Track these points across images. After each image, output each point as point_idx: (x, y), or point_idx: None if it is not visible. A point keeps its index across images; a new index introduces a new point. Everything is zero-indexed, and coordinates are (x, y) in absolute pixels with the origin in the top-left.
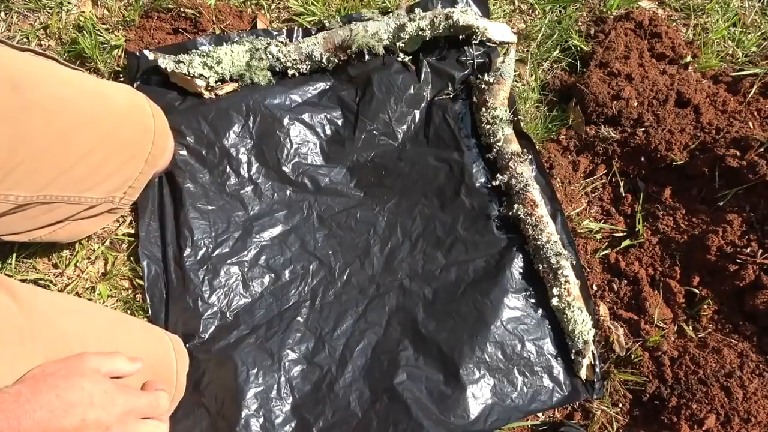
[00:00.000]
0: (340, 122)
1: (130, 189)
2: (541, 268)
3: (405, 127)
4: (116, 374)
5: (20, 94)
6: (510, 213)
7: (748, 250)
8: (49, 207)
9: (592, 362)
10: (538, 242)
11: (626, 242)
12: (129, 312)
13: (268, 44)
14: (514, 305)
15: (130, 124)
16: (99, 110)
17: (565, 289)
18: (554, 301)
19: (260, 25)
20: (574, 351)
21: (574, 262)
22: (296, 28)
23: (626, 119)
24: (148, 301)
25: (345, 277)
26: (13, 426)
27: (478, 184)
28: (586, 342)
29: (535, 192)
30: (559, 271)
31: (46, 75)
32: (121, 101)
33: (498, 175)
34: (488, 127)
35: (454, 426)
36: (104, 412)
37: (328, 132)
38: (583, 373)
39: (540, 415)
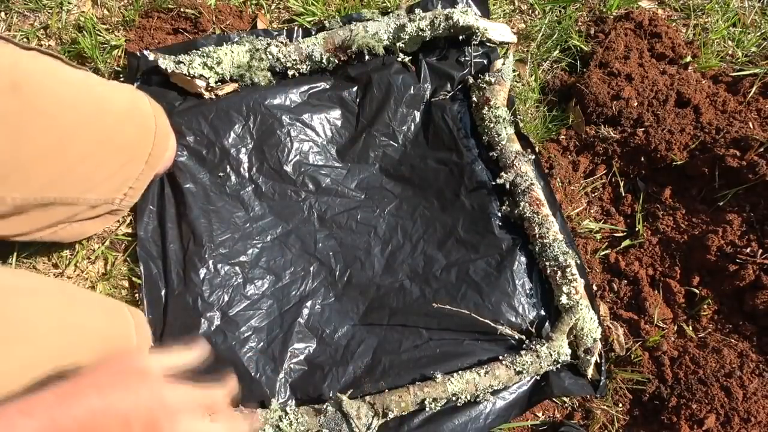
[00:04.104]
0: (340, 122)
1: (130, 190)
2: (548, 266)
3: (405, 128)
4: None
5: (20, 96)
6: (516, 212)
7: (748, 250)
8: (48, 208)
9: (598, 361)
10: (545, 240)
11: (626, 242)
12: None
13: (268, 44)
14: (515, 305)
15: (130, 125)
16: (99, 112)
17: (573, 287)
18: (563, 299)
19: (260, 25)
20: (582, 349)
21: (578, 262)
22: (296, 28)
23: (626, 119)
24: (146, 300)
25: (346, 279)
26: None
27: (477, 185)
28: (594, 340)
29: (539, 191)
30: (567, 270)
31: (46, 75)
32: (122, 102)
33: (502, 173)
34: (491, 125)
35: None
36: (150, 409)
37: (328, 132)
38: (590, 372)
39: (540, 414)
